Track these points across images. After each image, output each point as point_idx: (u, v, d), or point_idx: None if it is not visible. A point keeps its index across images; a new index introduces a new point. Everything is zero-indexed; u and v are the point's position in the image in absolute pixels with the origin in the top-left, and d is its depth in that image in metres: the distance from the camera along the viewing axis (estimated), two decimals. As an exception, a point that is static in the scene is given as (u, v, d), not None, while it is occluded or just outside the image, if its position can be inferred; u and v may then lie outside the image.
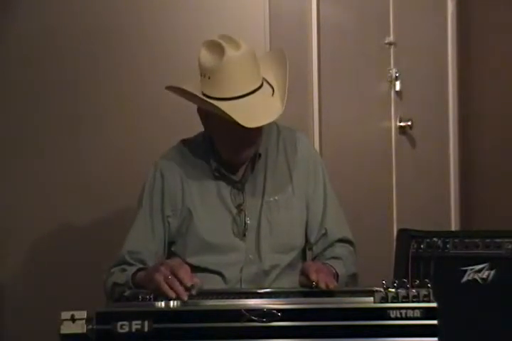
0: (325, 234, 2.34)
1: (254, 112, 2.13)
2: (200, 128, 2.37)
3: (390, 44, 3.64)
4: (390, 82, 3.66)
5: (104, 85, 3.03)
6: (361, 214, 3.27)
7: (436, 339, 1.72)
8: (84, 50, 3.01)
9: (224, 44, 2.13)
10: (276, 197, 2.31)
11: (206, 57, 2.16)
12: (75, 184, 3.02)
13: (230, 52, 2.12)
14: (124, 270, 2.22)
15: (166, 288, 1.88)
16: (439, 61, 3.90)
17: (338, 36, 3.41)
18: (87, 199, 3.01)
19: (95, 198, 3.01)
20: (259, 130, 2.21)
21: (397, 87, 3.65)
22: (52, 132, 3.03)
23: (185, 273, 1.91)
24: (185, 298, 1.85)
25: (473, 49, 3.90)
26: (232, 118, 2.09)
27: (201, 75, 2.18)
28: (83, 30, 3.01)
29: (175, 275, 1.91)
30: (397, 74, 3.65)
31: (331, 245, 2.35)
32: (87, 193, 3.01)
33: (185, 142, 2.38)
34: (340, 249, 2.34)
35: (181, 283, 1.89)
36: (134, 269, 2.18)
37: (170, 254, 2.31)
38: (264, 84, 2.20)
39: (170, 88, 2.25)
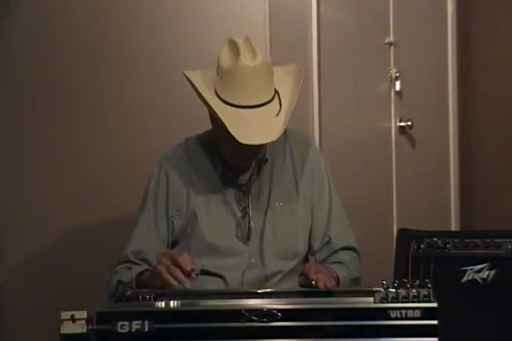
0: (329, 242, 2.33)
1: (254, 128, 2.11)
2: (201, 129, 2.37)
3: (390, 44, 3.64)
4: (390, 82, 3.65)
5: (104, 86, 3.02)
6: (361, 214, 3.27)
7: (436, 339, 1.72)
8: (84, 50, 3.01)
9: (242, 50, 2.12)
10: (281, 203, 2.29)
11: (224, 55, 2.15)
12: (74, 184, 3.02)
13: (245, 60, 2.11)
14: (129, 268, 2.23)
15: (167, 276, 1.92)
16: (439, 61, 3.90)
17: (338, 36, 3.41)
18: (88, 200, 3.01)
19: (95, 198, 3.01)
20: (259, 145, 2.17)
21: (397, 87, 3.65)
22: (52, 132, 3.03)
23: (184, 259, 1.95)
24: (188, 286, 1.91)
25: (473, 49, 3.90)
26: (228, 131, 2.08)
27: (217, 72, 2.17)
28: (83, 31, 3.00)
29: (175, 264, 1.93)
30: (397, 74, 3.64)
31: (335, 252, 2.34)
32: (87, 193, 3.01)
33: (190, 141, 2.35)
34: (343, 255, 2.33)
35: (182, 270, 1.92)
36: (140, 269, 2.18)
37: None
38: (275, 99, 2.18)
39: (185, 76, 2.22)
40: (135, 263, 2.25)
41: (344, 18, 3.48)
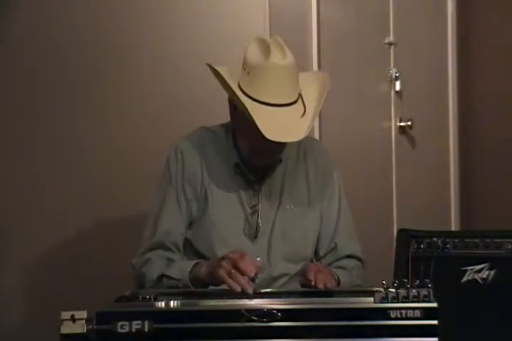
0: (334, 249, 2.33)
1: (280, 126, 2.10)
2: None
3: (390, 44, 3.64)
4: (390, 82, 3.65)
5: (104, 86, 3.02)
6: (361, 214, 3.27)
7: (436, 339, 1.72)
8: (84, 50, 3.01)
9: (273, 48, 2.13)
10: (292, 206, 2.29)
11: (253, 52, 2.16)
12: (74, 184, 3.02)
13: (275, 59, 2.12)
14: (167, 259, 2.21)
15: (230, 282, 1.92)
16: (439, 61, 3.90)
17: (338, 36, 3.41)
18: (88, 200, 3.01)
19: (95, 198, 3.01)
20: (282, 143, 2.17)
21: (397, 87, 3.65)
22: (52, 132, 3.03)
23: (247, 265, 1.94)
24: (251, 291, 1.90)
25: (473, 49, 3.90)
26: (256, 127, 2.07)
27: (243, 67, 2.17)
28: (83, 31, 3.01)
29: (237, 269, 1.93)
30: (397, 74, 3.64)
31: (340, 259, 2.34)
32: (87, 193, 3.01)
33: (206, 130, 2.34)
34: (347, 262, 2.33)
35: (244, 275, 1.92)
36: (190, 264, 2.16)
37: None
38: (299, 101, 2.18)
39: (211, 68, 2.22)
40: (169, 249, 2.23)
41: (344, 18, 3.48)
